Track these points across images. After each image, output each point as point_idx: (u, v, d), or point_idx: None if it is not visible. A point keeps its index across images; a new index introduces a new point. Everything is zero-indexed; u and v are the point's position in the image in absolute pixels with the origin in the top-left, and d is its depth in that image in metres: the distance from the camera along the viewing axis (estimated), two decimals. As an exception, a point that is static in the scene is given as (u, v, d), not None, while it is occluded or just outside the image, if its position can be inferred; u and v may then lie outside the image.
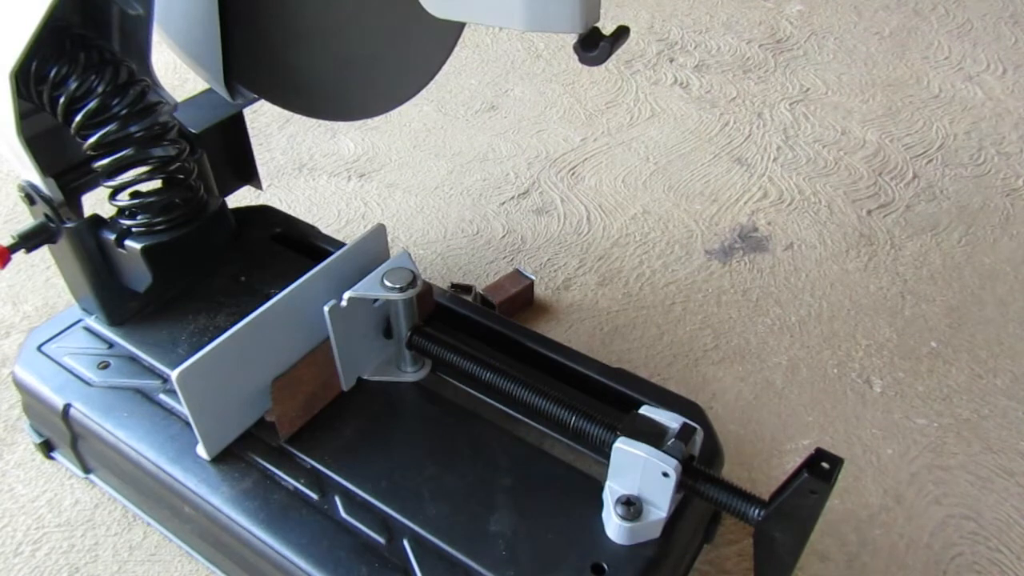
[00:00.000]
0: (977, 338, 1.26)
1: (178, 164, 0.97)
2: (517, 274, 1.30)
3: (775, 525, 0.71)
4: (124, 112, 0.91)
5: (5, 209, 1.55)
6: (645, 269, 1.40)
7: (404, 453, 0.87)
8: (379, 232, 0.95)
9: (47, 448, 1.06)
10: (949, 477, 1.06)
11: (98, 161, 0.92)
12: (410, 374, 0.96)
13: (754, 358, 1.23)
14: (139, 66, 0.95)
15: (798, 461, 0.84)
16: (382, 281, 0.88)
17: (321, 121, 1.74)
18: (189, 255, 1.02)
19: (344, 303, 0.86)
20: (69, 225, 0.93)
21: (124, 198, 0.96)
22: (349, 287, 0.87)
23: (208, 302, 1.04)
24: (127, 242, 0.96)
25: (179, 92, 1.16)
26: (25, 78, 0.87)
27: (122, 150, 0.91)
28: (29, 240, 0.92)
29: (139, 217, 0.96)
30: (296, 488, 0.84)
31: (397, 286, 0.87)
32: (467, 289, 1.27)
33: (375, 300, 0.91)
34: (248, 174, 1.20)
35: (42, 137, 0.93)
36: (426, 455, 0.86)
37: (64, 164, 0.96)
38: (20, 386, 0.99)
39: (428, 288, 1.03)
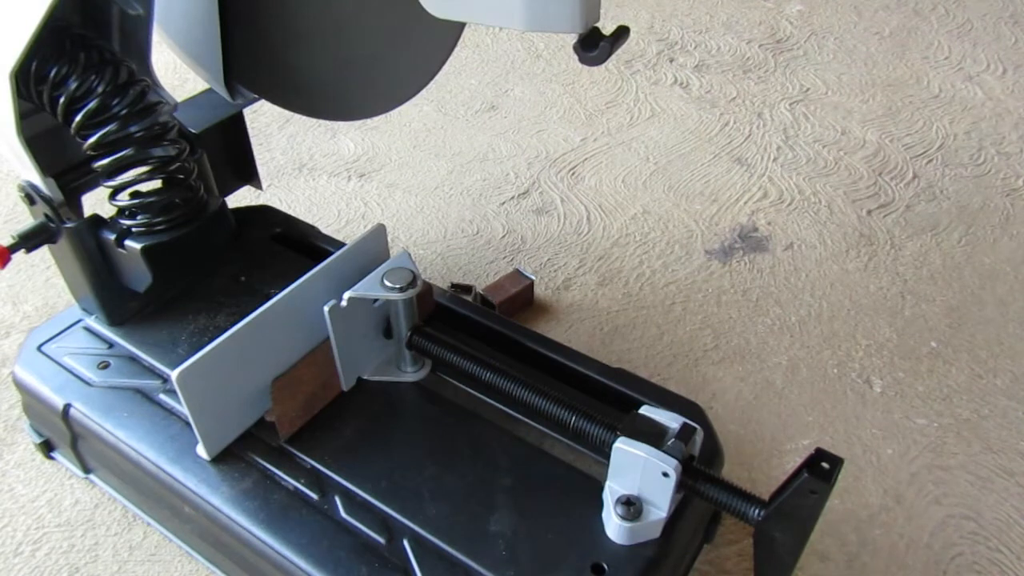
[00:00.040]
0: (977, 338, 1.26)
1: (178, 164, 0.97)
2: (517, 274, 1.30)
3: (775, 525, 0.71)
4: (124, 112, 0.91)
5: (5, 209, 1.55)
6: (645, 269, 1.40)
7: (404, 453, 0.87)
8: (379, 232, 0.95)
9: (47, 448, 1.06)
10: (949, 477, 1.06)
11: (98, 161, 0.92)
12: (410, 374, 0.96)
13: (754, 358, 1.23)
14: (139, 66, 0.95)
15: (798, 461, 0.84)
16: (382, 281, 0.88)
17: (321, 121, 1.75)
18: (189, 255, 1.02)
19: (344, 303, 0.86)
20: (69, 225, 0.93)
21: (124, 198, 0.96)
22: (349, 287, 0.87)
23: (208, 302, 1.04)
24: (127, 242, 0.96)
25: (179, 92, 1.16)
26: (25, 78, 0.87)
27: (122, 150, 0.91)
28: (29, 240, 0.92)
29: (139, 217, 0.96)
30: (296, 488, 0.84)
31: (397, 286, 0.87)
32: (467, 289, 1.27)
33: (375, 300, 0.91)
34: (248, 174, 1.20)
35: (42, 137, 0.93)
36: (426, 455, 0.86)
37: (64, 164, 0.96)
38: (20, 386, 0.99)
39: (428, 288, 1.03)
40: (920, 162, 1.66)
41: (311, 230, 1.18)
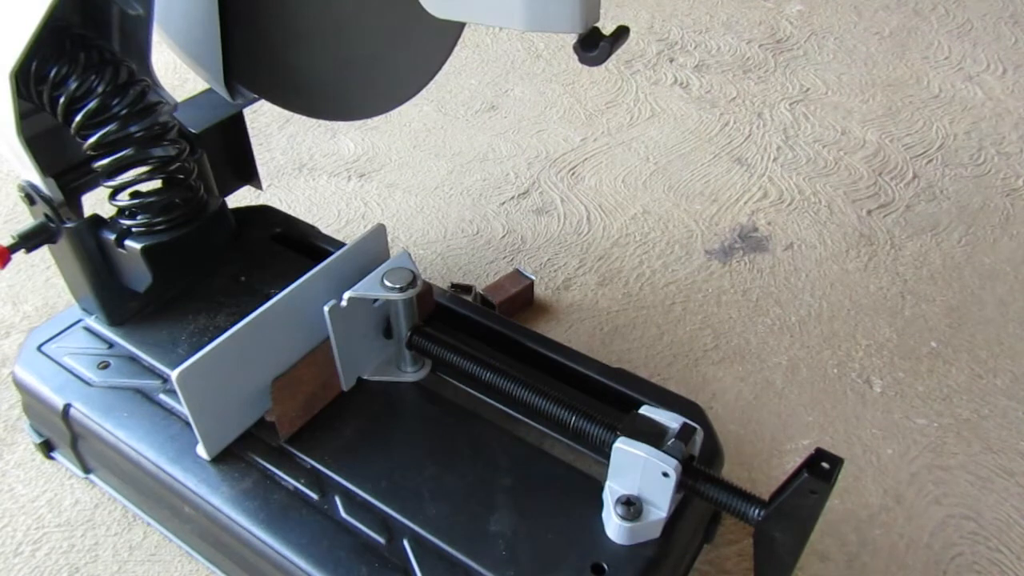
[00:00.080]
0: (977, 338, 1.26)
1: (178, 164, 0.97)
2: (517, 274, 1.30)
3: (775, 525, 0.71)
4: (124, 112, 0.91)
5: (5, 209, 1.55)
6: (645, 269, 1.40)
7: (404, 453, 0.87)
8: (379, 232, 0.95)
9: (47, 448, 1.06)
10: (949, 477, 1.06)
11: (98, 161, 0.92)
12: (410, 374, 0.96)
13: (754, 358, 1.23)
14: (139, 66, 0.95)
15: (798, 461, 0.84)
16: (382, 281, 0.88)
17: (321, 121, 1.74)
18: (189, 255, 1.02)
19: (344, 303, 0.86)
20: (69, 225, 0.93)
21: (124, 198, 0.96)
22: (349, 287, 0.87)
23: (208, 302, 1.04)
24: (127, 242, 0.96)
25: (179, 92, 1.16)
26: (25, 78, 0.87)
27: (122, 150, 0.91)
28: (29, 240, 0.92)
29: (139, 217, 0.96)
30: (296, 488, 0.84)
31: (397, 286, 0.87)
32: (467, 289, 1.27)
33: (375, 300, 0.91)
34: (248, 174, 1.20)
35: (42, 137, 0.93)
36: (426, 455, 0.86)
37: (64, 164, 0.96)
38: (20, 386, 0.99)
39: (428, 288, 1.03)
40: (920, 162, 1.66)
41: (311, 230, 1.18)
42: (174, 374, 0.78)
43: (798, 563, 0.75)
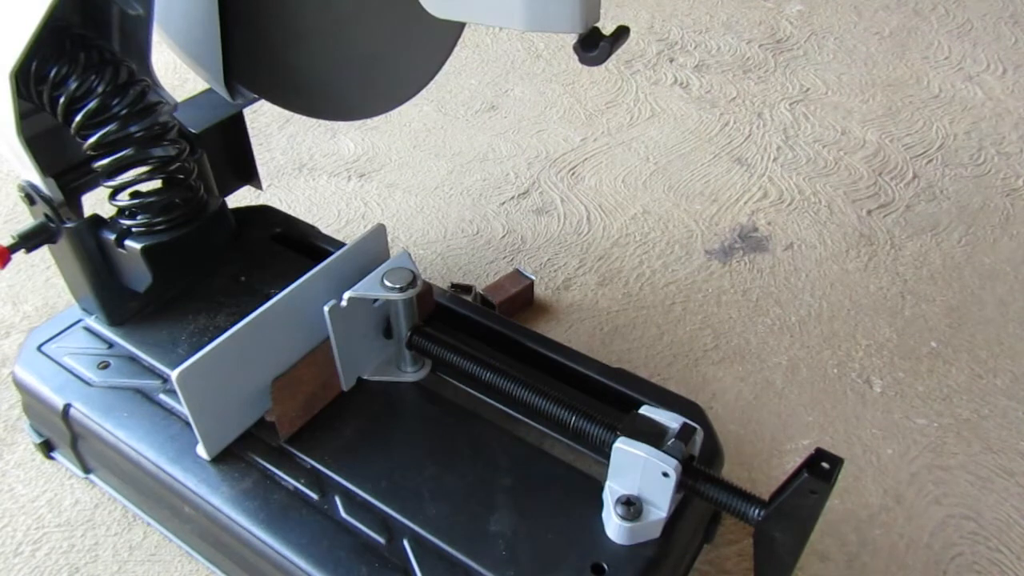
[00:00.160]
0: (977, 338, 1.26)
1: (178, 164, 0.97)
2: (517, 274, 1.30)
3: (775, 525, 0.71)
4: (124, 112, 0.91)
5: (5, 209, 1.55)
6: (645, 269, 1.40)
7: (404, 453, 0.87)
8: (379, 232, 0.95)
9: (47, 448, 1.06)
10: (949, 477, 1.06)
11: (98, 161, 0.92)
12: (410, 374, 0.96)
13: (754, 358, 1.23)
14: (139, 66, 0.95)
15: (798, 461, 0.84)
16: (382, 281, 0.88)
17: (321, 121, 1.74)
18: (189, 255, 1.02)
19: (344, 303, 0.86)
20: (69, 225, 0.93)
21: (124, 198, 0.96)
22: (349, 287, 0.87)
23: (208, 302, 1.04)
24: (127, 242, 0.96)
25: (179, 92, 1.16)
26: (25, 78, 0.86)
27: (122, 150, 0.91)
28: (29, 240, 0.92)
29: (139, 217, 0.96)
30: (296, 488, 0.84)
31: (397, 286, 0.87)
32: (467, 289, 1.27)
33: (375, 300, 0.91)
34: (248, 174, 1.20)
35: (42, 137, 0.93)
36: (426, 455, 0.86)
37: (64, 164, 0.96)
38: (20, 386, 0.99)
39: (428, 288, 1.02)
40: (920, 162, 1.66)
41: (311, 230, 1.18)
42: (174, 374, 0.78)
43: (798, 563, 0.75)
